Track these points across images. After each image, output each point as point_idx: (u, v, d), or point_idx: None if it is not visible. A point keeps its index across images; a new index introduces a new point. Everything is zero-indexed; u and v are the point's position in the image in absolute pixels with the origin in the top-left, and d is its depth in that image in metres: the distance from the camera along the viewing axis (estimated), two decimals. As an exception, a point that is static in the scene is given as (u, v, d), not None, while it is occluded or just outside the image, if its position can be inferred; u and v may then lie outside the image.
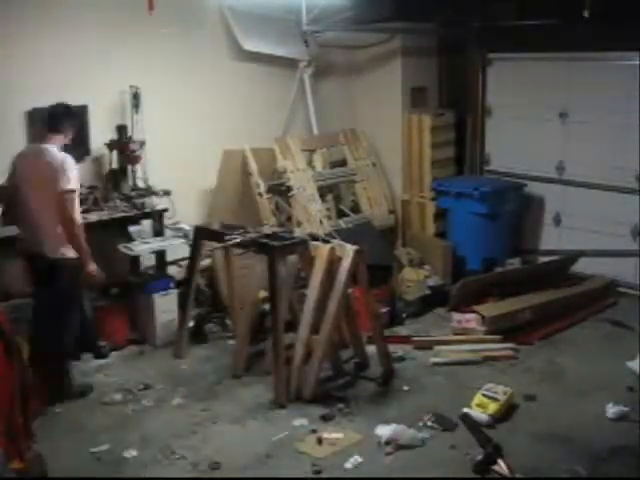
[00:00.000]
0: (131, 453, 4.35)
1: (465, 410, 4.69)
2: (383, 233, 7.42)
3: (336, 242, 5.20)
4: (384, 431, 4.44)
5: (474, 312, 5.99)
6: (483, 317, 5.92)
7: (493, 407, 4.67)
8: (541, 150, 7.31)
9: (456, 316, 6.06)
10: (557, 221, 7.34)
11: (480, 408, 4.68)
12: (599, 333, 6.01)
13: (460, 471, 4.16)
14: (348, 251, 5.02)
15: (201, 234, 5.61)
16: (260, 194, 6.72)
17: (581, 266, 6.88)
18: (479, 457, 4.18)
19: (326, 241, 5.20)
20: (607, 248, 6.85)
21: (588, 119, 6.94)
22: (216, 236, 5.50)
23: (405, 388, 5.15)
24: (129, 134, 6.05)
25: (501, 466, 4.09)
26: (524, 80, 7.37)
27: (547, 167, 7.30)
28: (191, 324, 5.86)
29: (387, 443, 4.37)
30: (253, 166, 6.74)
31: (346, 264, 5.00)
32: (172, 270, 6.25)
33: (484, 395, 4.77)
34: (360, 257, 5.06)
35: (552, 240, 7.38)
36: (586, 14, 6.05)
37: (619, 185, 6.80)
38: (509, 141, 7.59)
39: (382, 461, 4.27)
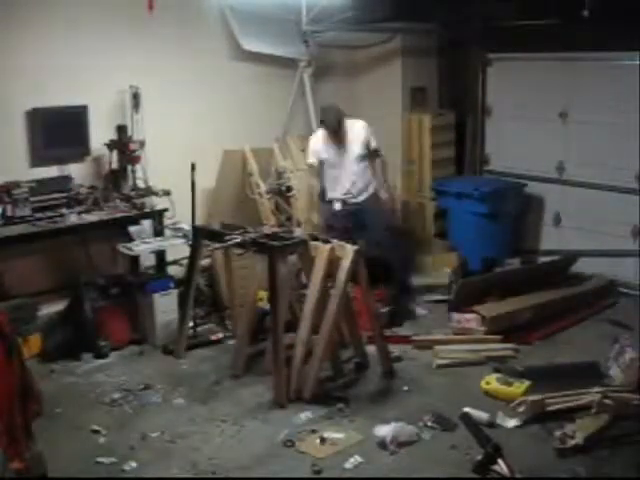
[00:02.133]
0: (130, 453, 4.36)
1: (465, 410, 4.69)
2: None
3: (336, 242, 5.20)
4: (383, 431, 4.43)
5: (474, 312, 5.99)
6: (483, 317, 5.92)
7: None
8: (541, 150, 7.31)
9: (456, 316, 6.05)
10: (557, 221, 7.34)
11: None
12: (599, 333, 6.00)
13: (460, 471, 4.16)
14: (348, 251, 5.02)
15: (200, 234, 5.61)
16: (260, 194, 6.71)
17: (581, 266, 6.88)
18: (479, 457, 4.18)
19: (326, 241, 5.20)
20: (607, 248, 6.85)
21: (588, 119, 6.94)
22: (216, 236, 5.50)
23: (405, 388, 5.15)
24: (129, 134, 6.05)
25: (501, 466, 4.09)
26: (524, 80, 7.38)
27: (547, 167, 7.30)
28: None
29: (390, 442, 4.37)
30: (253, 166, 6.74)
31: (346, 264, 4.99)
32: (173, 270, 6.26)
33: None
34: (360, 257, 5.05)
35: (552, 240, 7.38)
36: (586, 14, 6.05)
37: (619, 185, 6.80)
38: (509, 141, 7.59)
39: (382, 461, 4.27)
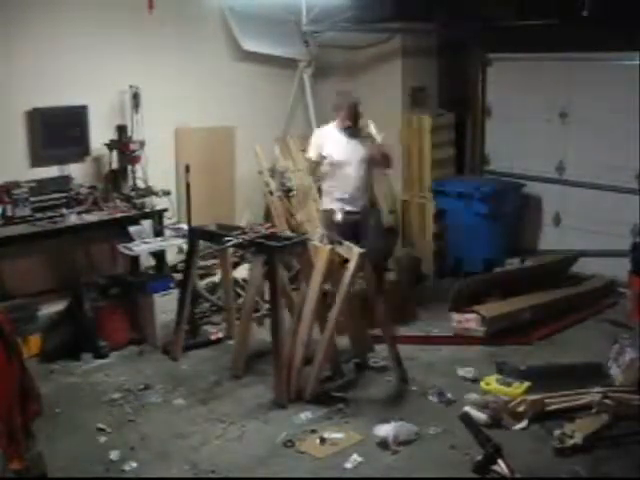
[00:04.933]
0: (130, 453, 4.36)
1: (465, 410, 4.69)
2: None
3: (346, 244, 5.17)
4: (383, 430, 4.43)
5: (474, 312, 5.99)
6: (483, 317, 5.92)
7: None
8: (541, 150, 7.31)
9: (456, 316, 6.05)
10: (557, 221, 7.34)
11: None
12: (599, 333, 6.01)
13: (460, 471, 4.16)
14: (354, 253, 4.99)
15: (197, 235, 5.59)
16: (271, 192, 6.70)
17: (581, 266, 6.88)
18: (479, 457, 4.18)
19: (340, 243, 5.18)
20: (607, 248, 6.85)
21: (588, 119, 6.94)
22: (212, 237, 5.48)
23: (404, 388, 5.15)
24: (129, 134, 6.05)
25: (501, 466, 4.09)
26: (524, 80, 7.38)
27: (547, 167, 7.30)
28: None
29: (392, 442, 4.37)
30: (263, 164, 6.73)
31: (351, 266, 4.96)
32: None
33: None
34: (364, 260, 5.02)
35: (552, 240, 7.38)
36: (585, 14, 6.05)
37: (619, 185, 6.80)
38: (509, 141, 7.59)
39: (382, 461, 4.27)
